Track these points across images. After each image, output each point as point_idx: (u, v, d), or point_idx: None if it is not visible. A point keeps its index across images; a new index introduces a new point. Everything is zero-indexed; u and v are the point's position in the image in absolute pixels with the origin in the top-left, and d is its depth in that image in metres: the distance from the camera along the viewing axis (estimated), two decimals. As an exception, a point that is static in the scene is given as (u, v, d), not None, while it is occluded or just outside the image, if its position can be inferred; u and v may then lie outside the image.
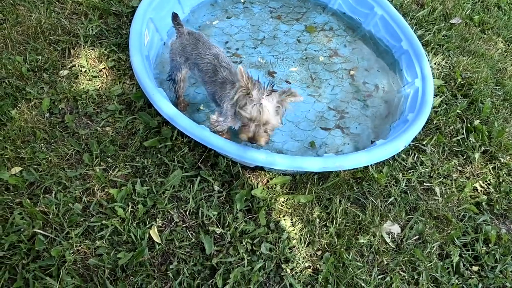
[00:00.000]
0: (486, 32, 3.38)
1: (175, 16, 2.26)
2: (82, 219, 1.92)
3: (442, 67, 2.98)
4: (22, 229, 1.82)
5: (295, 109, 2.55)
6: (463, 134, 2.61)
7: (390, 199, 2.23)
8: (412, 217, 2.18)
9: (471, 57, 3.09)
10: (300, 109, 2.56)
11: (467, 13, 3.44)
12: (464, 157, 2.52)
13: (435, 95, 2.70)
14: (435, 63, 2.98)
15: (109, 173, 2.10)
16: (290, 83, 2.70)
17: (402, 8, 3.29)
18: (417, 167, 2.39)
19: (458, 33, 3.26)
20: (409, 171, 2.38)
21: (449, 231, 2.18)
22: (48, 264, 1.76)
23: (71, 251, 1.80)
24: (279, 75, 2.72)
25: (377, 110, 2.66)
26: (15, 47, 2.54)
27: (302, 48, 2.91)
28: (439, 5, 3.39)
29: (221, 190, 2.12)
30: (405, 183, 2.31)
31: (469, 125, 2.65)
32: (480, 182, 2.42)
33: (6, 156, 2.07)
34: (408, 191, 2.29)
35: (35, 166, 2.06)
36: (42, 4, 2.78)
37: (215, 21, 2.99)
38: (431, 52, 3.05)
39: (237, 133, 1.94)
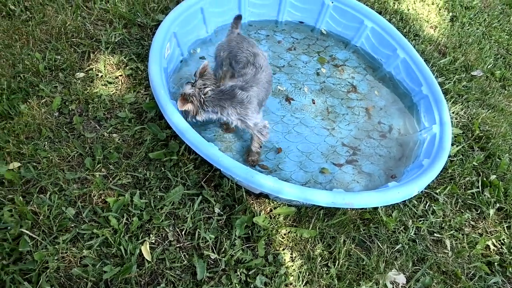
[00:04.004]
0: (507, 88, 3.34)
1: (239, 17, 2.44)
2: (72, 225, 1.82)
3: (460, 117, 2.92)
4: (9, 227, 1.73)
5: (307, 139, 2.50)
6: (478, 187, 2.50)
7: (397, 246, 2.10)
8: (419, 269, 2.04)
9: (490, 110, 3.03)
10: (313, 140, 2.50)
11: (488, 67, 3.42)
12: (478, 211, 2.41)
13: (452, 144, 2.62)
14: (453, 112, 2.92)
15: (109, 181, 2.02)
16: (314, 103, 2.71)
17: (424, 54, 3.28)
18: (428, 216, 2.28)
19: (478, 85, 3.22)
20: (420, 219, 2.27)
21: (457, 289, 2.03)
22: (29, 268, 1.65)
23: (55, 258, 1.69)
24: (296, 103, 2.68)
25: (390, 151, 2.59)
26: (36, 44, 2.55)
27: (321, 80, 2.88)
28: (461, 56, 3.38)
29: (222, 213, 2.02)
30: (415, 231, 2.19)
31: (485, 179, 2.54)
32: (493, 240, 2.28)
33: (7, 150, 2.01)
34: (417, 240, 2.16)
35: (35, 164, 2.00)
36: (70, 7, 2.82)
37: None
38: (450, 101, 3.00)
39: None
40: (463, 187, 2.50)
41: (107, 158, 2.11)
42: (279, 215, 2.07)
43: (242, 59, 2.23)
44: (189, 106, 2.03)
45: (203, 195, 2.05)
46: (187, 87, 2.06)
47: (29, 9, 2.74)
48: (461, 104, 3.00)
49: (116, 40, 2.70)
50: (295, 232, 2.01)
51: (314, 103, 2.72)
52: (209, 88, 2.07)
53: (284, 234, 2.02)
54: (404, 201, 2.23)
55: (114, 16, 2.84)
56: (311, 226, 2.04)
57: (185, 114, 2.12)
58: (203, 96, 2.04)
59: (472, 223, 2.36)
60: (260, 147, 2.28)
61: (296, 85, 2.81)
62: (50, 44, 2.56)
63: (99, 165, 2.07)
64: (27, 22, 2.65)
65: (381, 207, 2.17)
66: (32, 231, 1.75)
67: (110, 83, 2.48)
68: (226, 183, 2.09)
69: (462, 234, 2.27)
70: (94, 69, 2.51)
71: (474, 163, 2.60)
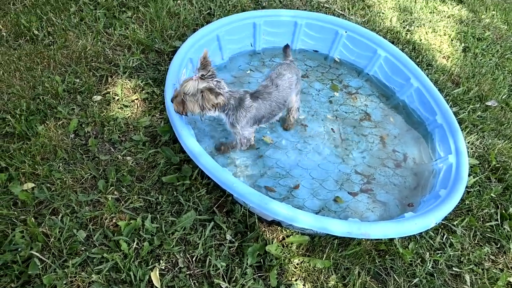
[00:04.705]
0: (522, 119, 3.30)
1: (287, 46, 2.53)
2: (83, 248, 1.80)
3: (476, 147, 2.87)
4: (19, 249, 1.71)
5: (320, 166, 2.48)
6: (497, 220, 2.42)
7: (415, 280, 2.02)
8: (438, 305, 1.96)
9: (506, 141, 2.98)
10: (326, 168, 2.47)
11: (503, 97, 3.39)
12: (498, 245, 2.32)
13: (469, 175, 2.56)
14: (468, 142, 2.88)
15: (121, 204, 2.00)
16: (334, 132, 2.73)
17: (437, 84, 3.28)
18: (445, 249, 2.20)
19: (493, 115, 3.19)
20: (437, 251, 2.19)
21: (479, 328, 1.93)
22: (37, 293, 1.62)
23: (64, 282, 1.66)
24: (309, 130, 2.68)
25: (406, 180, 2.54)
26: (57, 68, 2.62)
27: (334, 108, 2.89)
28: (475, 86, 3.37)
29: (233, 240, 1.98)
30: (432, 264, 2.11)
31: (503, 211, 2.47)
32: (515, 276, 2.19)
33: (22, 170, 2.02)
34: (434, 274, 2.08)
35: (48, 185, 2.00)
36: (91, 33, 2.91)
37: (250, 71, 3.03)
38: (464, 131, 2.96)
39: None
40: (481, 219, 2.42)
41: (120, 181, 2.10)
42: (291, 243, 2.02)
43: (270, 75, 2.33)
44: (221, 98, 1.96)
45: (215, 221, 2.02)
46: (200, 81, 1.95)
47: (52, 34, 2.84)
48: (476, 134, 2.95)
49: (134, 65, 2.77)
50: (308, 262, 1.96)
51: (334, 131, 2.72)
52: (224, 83, 2.07)
53: (297, 264, 1.96)
54: (421, 232, 2.17)
55: (133, 42, 2.92)
56: (324, 256, 1.98)
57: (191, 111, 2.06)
58: (225, 89, 2.05)
59: (492, 257, 2.27)
60: (232, 149, 2.40)
61: (309, 112, 2.81)
62: (70, 68, 2.63)
63: (111, 187, 2.06)
64: (49, 47, 2.73)
65: (397, 238, 2.10)
66: (42, 254, 1.73)
67: (126, 106, 2.51)
68: (238, 209, 2.06)
69: (482, 269, 2.18)
70: (111, 93, 2.55)
71: (492, 194, 2.53)
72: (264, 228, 2.06)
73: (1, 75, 2.48)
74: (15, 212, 1.85)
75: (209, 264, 1.86)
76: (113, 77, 2.66)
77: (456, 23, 4.12)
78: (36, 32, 2.81)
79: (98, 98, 2.51)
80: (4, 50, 2.66)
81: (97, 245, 1.82)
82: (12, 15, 2.87)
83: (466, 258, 2.20)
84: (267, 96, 2.23)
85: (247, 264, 1.89)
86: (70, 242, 1.80)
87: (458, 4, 4.47)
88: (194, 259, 1.88)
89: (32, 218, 1.82)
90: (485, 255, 2.25)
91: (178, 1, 3.36)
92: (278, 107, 2.30)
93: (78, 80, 2.56)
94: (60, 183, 2.01)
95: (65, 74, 2.59)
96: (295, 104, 2.52)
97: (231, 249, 1.96)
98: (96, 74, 2.65)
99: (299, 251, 2.01)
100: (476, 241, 2.31)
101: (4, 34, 2.77)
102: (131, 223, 1.91)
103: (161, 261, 1.82)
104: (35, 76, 2.51)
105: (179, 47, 2.68)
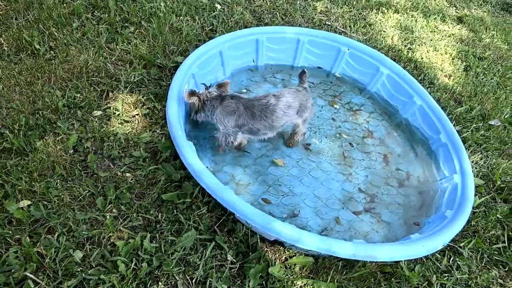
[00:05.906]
0: (525, 138, 3.27)
1: (303, 72, 2.50)
2: (79, 269, 1.73)
3: (480, 167, 2.84)
4: (13, 270, 1.64)
5: (323, 184, 2.43)
6: (504, 242, 2.37)
7: (422, 305, 1.95)
8: (447, 331, 1.88)
9: (511, 161, 2.95)
10: (329, 186, 2.42)
11: (505, 116, 3.38)
12: (506, 269, 2.25)
13: (474, 195, 2.52)
14: (472, 161, 2.84)
15: (119, 222, 1.95)
16: (353, 146, 2.73)
17: (439, 102, 3.27)
18: (453, 272, 2.14)
19: (496, 134, 3.17)
20: (444, 274, 2.12)
21: None
22: (29, 317, 1.55)
23: (58, 305, 1.59)
24: (312, 147, 2.64)
25: (410, 200, 2.49)
26: (58, 82, 2.59)
27: (336, 125, 2.86)
28: (477, 105, 3.36)
29: (235, 261, 1.92)
30: (439, 288, 2.05)
31: (510, 233, 2.41)
32: (525, 301, 2.12)
33: (19, 187, 1.97)
34: (442, 298, 2.02)
35: (45, 203, 1.95)
36: (93, 48, 2.90)
37: (247, 90, 3.01)
38: (468, 150, 2.93)
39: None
40: (488, 241, 2.36)
41: (119, 198, 2.05)
42: (295, 265, 1.96)
43: (271, 92, 2.38)
44: (195, 99, 2.30)
45: (216, 241, 1.96)
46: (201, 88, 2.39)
47: (54, 49, 2.83)
48: (480, 154, 2.92)
49: (135, 80, 2.74)
50: (312, 285, 1.89)
51: (352, 146, 2.73)
52: (215, 93, 2.35)
53: (301, 287, 1.89)
54: (427, 254, 2.11)
55: (135, 57, 2.91)
56: (329, 278, 1.92)
57: (190, 110, 2.43)
58: (208, 96, 2.33)
59: (500, 281, 2.20)
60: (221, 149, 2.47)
61: (311, 129, 2.78)
62: (71, 83, 2.60)
63: (110, 205, 2.01)
64: (50, 61, 2.72)
65: (403, 260, 2.04)
66: (36, 275, 1.66)
67: (127, 121, 2.48)
68: (240, 229, 2.01)
69: (491, 294, 2.12)
70: (111, 108, 2.52)
71: (498, 215, 2.48)
72: (266, 248, 2.00)
73: (0, 89, 2.45)
74: (10, 231, 1.79)
75: (209, 286, 1.79)
76: (114, 92, 2.63)
77: (457, 42, 4.15)
78: (37, 46, 2.79)
79: (98, 113, 2.48)
80: (5, 64, 2.64)
81: (94, 266, 1.76)
82: (14, 30, 2.87)
83: (474, 281, 2.14)
84: (251, 106, 2.29)
85: (249, 286, 1.82)
86: (66, 262, 1.73)
87: (458, 24, 4.52)
88: (194, 281, 1.81)
89: (27, 238, 1.76)
90: (493, 279, 2.18)
91: (180, 17, 3.37)
92: (263, 126, 2.32)
93: (78, 95, 2.54)
94: (57, 201, 1.96)
95: (66, 89, 2.56)
96: (302, 130, 2.54)
97: (232, 270, 1.89)
98: (97, 89, 2.62)
99: (303, 273, 1.95)
100: (483, 264, 2.24)
101: (6, 48, 2.75)
102: (129, 242, 1.85)
103: (159, 283, 1.76)
104: (35, 91, 2.48)
105: (181, 62, 2.67)
